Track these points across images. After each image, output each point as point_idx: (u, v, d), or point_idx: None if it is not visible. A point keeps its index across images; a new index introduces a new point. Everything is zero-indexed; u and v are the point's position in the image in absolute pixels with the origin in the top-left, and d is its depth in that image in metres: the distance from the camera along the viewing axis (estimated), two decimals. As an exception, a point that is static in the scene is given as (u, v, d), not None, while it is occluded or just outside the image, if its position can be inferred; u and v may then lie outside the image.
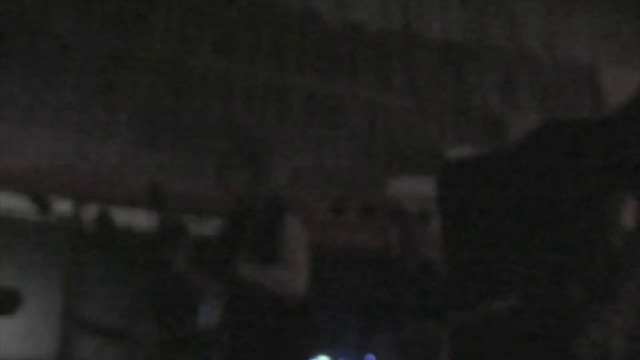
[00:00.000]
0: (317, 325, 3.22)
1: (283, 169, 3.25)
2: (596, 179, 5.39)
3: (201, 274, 3.15)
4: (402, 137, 6.29)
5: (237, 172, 3.13)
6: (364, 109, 6.13)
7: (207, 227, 7.92)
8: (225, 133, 6.59)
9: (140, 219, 7.86)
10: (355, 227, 8.64)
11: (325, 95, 5.95)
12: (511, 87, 5.37)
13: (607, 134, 5.49)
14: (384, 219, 8.60)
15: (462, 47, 4.89)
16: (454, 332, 4.85)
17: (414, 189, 8.37)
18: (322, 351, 7.53)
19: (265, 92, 5.77)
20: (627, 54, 4.81)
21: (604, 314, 4.11)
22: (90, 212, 7.84)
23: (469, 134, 6.35)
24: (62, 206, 7.75)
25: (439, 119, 6.28)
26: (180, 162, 7.25)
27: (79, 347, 6.44)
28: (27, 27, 4.99)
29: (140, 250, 6.91)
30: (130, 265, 6.30)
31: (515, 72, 5.38)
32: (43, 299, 6.61)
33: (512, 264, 5.65)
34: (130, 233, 7.77)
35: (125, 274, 6.73)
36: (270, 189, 3.10)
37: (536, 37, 4.58)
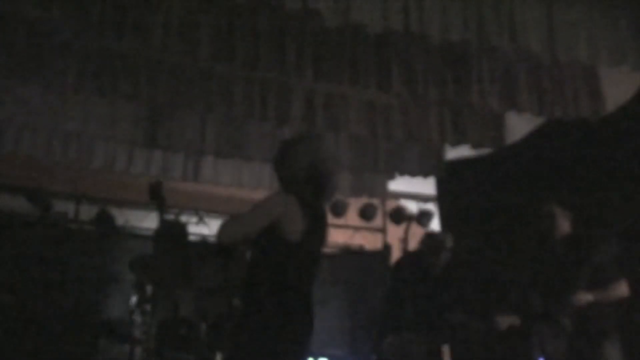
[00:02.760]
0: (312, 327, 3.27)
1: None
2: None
3: None
4: (401, 137, 6.29)
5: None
6: (363, 109, 6.14)
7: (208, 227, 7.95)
8: (224, 132, 6.60)
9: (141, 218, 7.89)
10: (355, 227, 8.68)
11: (326, 95, 5.96)
12: (511, 87, 5.36)
13: (606, 134, 5.53)
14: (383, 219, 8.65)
15: (462, 47, 4.89)
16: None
17: (414, 189, 8.40)
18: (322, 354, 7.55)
19: (265, 92, 5.78)
20: (627, 54, 4.81)
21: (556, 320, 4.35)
22: (89, 211, 7.87)
23: (469, 134, 6.35)
24: (62, 205, 7.77)
25: (439, 119, 6.29)
26: (181, 162, 7.27)
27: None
28: (26, 26, 4.99)
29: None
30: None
31: (515, 72, 5.38)
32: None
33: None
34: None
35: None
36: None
37: (536, 37, 4.57)
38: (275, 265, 3.22)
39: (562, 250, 4.58)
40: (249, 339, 3.13)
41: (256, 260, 3.28)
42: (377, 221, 8.62)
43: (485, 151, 6.62)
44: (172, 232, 6.91)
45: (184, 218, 7.86)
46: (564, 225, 4.66)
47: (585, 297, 4.29)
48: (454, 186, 7.27)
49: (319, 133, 5.85)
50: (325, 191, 3.36)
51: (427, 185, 7.74)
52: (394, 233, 8.00)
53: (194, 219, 7.91)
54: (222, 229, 3.19)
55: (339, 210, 8.19)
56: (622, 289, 4.40)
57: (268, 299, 3.16)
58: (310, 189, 3.28)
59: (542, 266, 4.69)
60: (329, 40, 5.10)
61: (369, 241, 8.89)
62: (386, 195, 8.36)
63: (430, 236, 5.54)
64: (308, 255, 3.31)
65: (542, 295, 4.55)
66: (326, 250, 8.42)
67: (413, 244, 5.92)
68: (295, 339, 3.18)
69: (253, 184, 7.54)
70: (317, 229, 3.34)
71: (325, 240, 3.43)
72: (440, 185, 7.60)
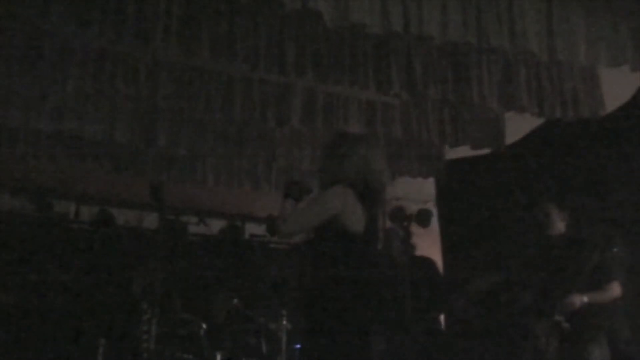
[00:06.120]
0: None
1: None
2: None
3: None
4: (401, 137, 6.29)
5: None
6: (363, 109, 6.13)
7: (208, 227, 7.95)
8: (224, 132, 6.60)
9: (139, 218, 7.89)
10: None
11: (326, 95, 5.95)
12: (511, 87, 5.36)
13: (605, 134, 5.53)
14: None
15: (461, 47, 4.89)
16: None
17: (414, 189, 8.39)
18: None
19: (265, 92, 5.77)
20: (627, 54, 4.81)
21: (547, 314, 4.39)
22: (89, 211, 7.86)
23: (469, 134, 6.36)
24: (62, 205, 7.77)
25: (439, 119, 6.29)
26: (181, 162, 7.27)
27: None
28: (26, 26, 4.99)
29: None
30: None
31: (515, 72, 5.38)
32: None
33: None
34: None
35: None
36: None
37: (536, 37, 4.57)
38: (343, 256, 3.25)
39: (557, 249, 4.60)
40: (321, 334, 3.16)
41: (321, 254, 3.29)
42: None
43: (485, 151, 6.63)
44: (173, 232, 6.91)
45: (184, 218, 7.86)
46: (559, 224, 4.68)
47: (579, 299, 4.31)
48: (454, 186, 7.27)
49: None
50: (375, 196, 3.38)
51: (427, 186, 7.74)
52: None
53: (194, 219, 7.91)
54: (287, 220, 3.27)
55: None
56: (614, 290, 4.43)
57: (336, 291, 3.19)
58: (359, 187, 3.31)
59: (536, 263, 4.70)
60: (329, 40, 5.10)
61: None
62: (386, 195, 8.35)
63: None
64: (372, 247, 3.34)
65: (535, 292, 4.58)
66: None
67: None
68: (362, 335, 3.22)
69: (253, 184, 7.54)
70: (374, 225, 3.38)
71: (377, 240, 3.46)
72: (440, 185, 7.60)
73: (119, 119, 6.21)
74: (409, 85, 5.20)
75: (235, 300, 5.97)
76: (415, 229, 6.89)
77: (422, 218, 8.01)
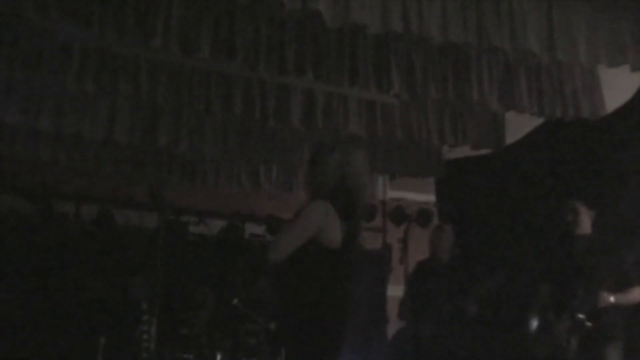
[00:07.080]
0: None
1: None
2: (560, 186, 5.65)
3: None
4: (401, 138, 6.28)
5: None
6: (363, 109, 6.13)
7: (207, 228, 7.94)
8: (224, 132, 6.60)
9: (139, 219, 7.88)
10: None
11: (326, 95, 5.95)
12: (511, 87, 5.36)
13: (605, 135, 5.53)
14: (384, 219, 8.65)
15: (462, 47, 4.89)
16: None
17: (414, 189, 8.40)
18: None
19: (265, 92, 5.77)
20: (627, 54, 4.81)
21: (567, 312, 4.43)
22: (89, 211, 7.86)
23: (469, 134, 6.35)
24: (62, 205, 7.77)
25: (439, 119, 6.28)
26: (181, 162, 7.27)
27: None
28: (26, 26, 4.99)
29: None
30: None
31: (515, 72, 5.38)
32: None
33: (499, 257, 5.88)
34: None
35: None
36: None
37: (536, 37, 4.57)
38: (315, 272, 3.27)
39: (582, 248, 4.59)
40: (291, 345, 3.27)
41: (293, 267, 3.30)
42: (377, 221, 8.61)
43: (485, 151, 6.63)
44: (173, 232, 6.89)
45: (184, 218, 7.85)
46: (586, 224, 4.66)
47: (607, 299, 4.34)
48: (454, 186, 7.28)
49: (355, 141, 5.83)
50: (355, 206, 3.38)
51: (427, 186, 7.74)
52: (394, 233, 8.00)
53: (194, 219, 7.90)
54: (275, 248, 3.30)
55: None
56: (637, 295, 4.45)
57: (306, 305, 3.23)
58: (339, 199, 3.31)
59: (560, 260, 4.70)
60: (329, 40, 5.10)
61: (369, 241, 8.87)
62: (386, 195, 8.36)
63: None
64: (346, 263, 3.35)
65: (555, 288, 4.59)
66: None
67: (412, 244, 5.92)
68: (327, 343, 3.27)
69: (253, 184, 7.54)
70: (352, 239, 3.38)
71: (356, 252, 3.47)
72: (440, 185, 7.61)
73: (119, 119, 6.21)
74: (409, 85, 5.20)
75: (235, 300, 5.97)
76: (415, 228, 6.91)
77: (422, 218, 8.05)
